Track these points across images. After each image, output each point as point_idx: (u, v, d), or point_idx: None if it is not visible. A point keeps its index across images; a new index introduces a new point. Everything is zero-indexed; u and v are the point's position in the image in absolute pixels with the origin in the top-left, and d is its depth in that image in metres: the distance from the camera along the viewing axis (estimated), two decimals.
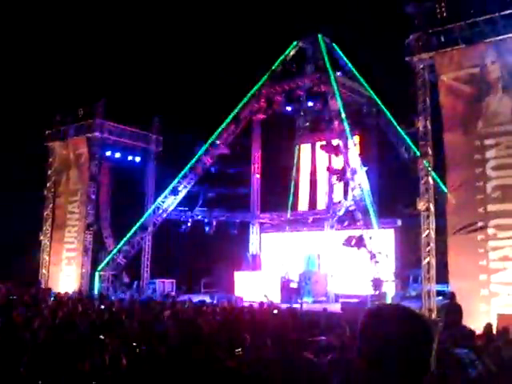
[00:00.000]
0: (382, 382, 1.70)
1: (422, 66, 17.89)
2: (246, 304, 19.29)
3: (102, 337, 8.10)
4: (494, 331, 11.26)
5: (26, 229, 26.24)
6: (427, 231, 17.43)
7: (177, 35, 28.92)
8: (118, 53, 28.81)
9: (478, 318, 12.09)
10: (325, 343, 9.94)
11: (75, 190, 26.43)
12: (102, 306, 15.32)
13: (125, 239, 25.10)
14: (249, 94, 26.01)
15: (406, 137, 23.66)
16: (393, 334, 1.71)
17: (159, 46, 28.78)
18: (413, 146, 22.49)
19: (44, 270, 26.64)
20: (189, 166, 25.90)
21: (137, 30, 29.33)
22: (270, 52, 25.91)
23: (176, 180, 25.80)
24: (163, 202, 25.77)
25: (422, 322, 1.78)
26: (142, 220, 25.54)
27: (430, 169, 17.61)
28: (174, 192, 25.78)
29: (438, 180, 18.82)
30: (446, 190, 16.97)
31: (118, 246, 25.06)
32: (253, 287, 23.58)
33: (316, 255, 26.96)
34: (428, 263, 17.31)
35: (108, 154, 26.93)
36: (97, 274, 24.44)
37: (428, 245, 17.38)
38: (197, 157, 25.96)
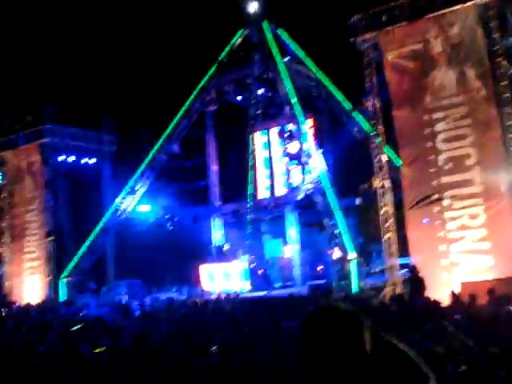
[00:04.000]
0: None
1: (366, 46, 18.14)
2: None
3: None
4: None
5: None
6: (384, 208, 17.79)
7: (123, 32, 28.41)
8: (61, 54, 28.17)
9: (440, 288, 12.45)
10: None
11: (31, 198, 25.91)
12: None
13: (86, 243, 24.71)
14: (198, 87, 25.85)
15: (356, 117, 23.93)
16: (336, 339, 1.69)
17: (104, 45, 28.26)
18: (364, 126, 22.77)
19: (7, 283, 26.02)
20: (144, 164, 25.62)
21: (80, 29, 28.74)
22: (217, 43, 25.71)
23: (132, 179, 25.53)
24: (122, 203, 25.49)
25: (354, 317, 1.75)
26: (102, 223, 25.20)
27: (382, 147, 17.94)
28: (132, 191, 25.53)
29: (392, 157, 19.12)
30: (399, 166, 17.32)
31: (81, 251, 24.64)
32: (220, 279, 23.59)
33: (279, 241, 27.18)
34: (388, 238, 17.69)
35: (61, 158, 26.35)
36: (61, 281, 24.03)
37: (386, 221, 17.75)
38: (151, 155, 25.70)
